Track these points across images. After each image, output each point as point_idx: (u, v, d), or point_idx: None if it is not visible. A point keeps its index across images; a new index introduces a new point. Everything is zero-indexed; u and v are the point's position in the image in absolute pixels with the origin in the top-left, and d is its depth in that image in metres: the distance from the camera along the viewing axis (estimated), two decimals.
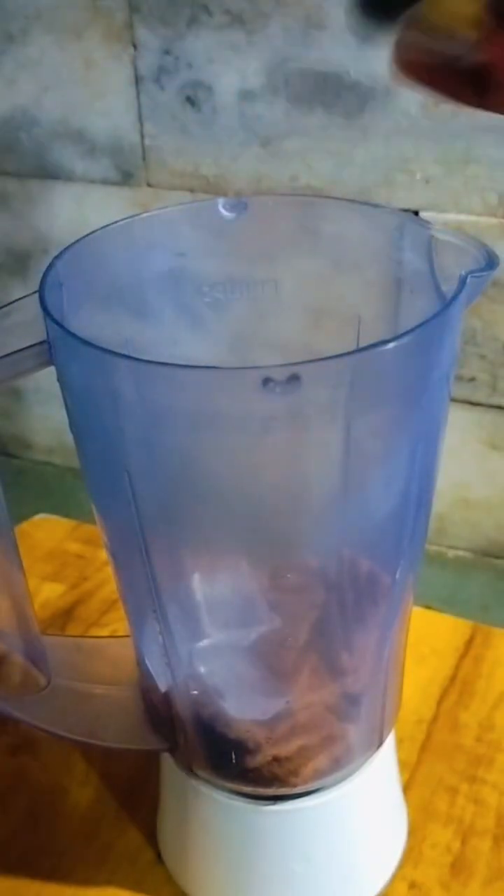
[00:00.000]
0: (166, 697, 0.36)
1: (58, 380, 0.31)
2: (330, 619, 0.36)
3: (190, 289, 0.37)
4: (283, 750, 0.35)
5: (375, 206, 0.38)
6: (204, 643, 0.36)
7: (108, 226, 0.35)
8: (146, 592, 0.34)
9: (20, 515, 0.62)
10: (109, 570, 0.38)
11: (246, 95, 0.52)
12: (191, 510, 0.32)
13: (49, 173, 0.60)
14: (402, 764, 0.44)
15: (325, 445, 0.30)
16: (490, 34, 0.25)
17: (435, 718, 0.48)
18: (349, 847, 0.39)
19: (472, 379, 0.54)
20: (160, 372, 0.27)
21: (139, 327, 0.36)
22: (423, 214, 0.51)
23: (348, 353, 0.27)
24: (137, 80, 0.55)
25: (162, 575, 0.33)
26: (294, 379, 0.26)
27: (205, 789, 0.37)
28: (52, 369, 0.31)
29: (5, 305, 0.32)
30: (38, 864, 0.41)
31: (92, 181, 0.59)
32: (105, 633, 0.53)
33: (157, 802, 0.42)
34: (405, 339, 0.27)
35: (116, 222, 0.35)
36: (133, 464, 0.30)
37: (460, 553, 0.60)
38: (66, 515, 0.64)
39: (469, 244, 0.32)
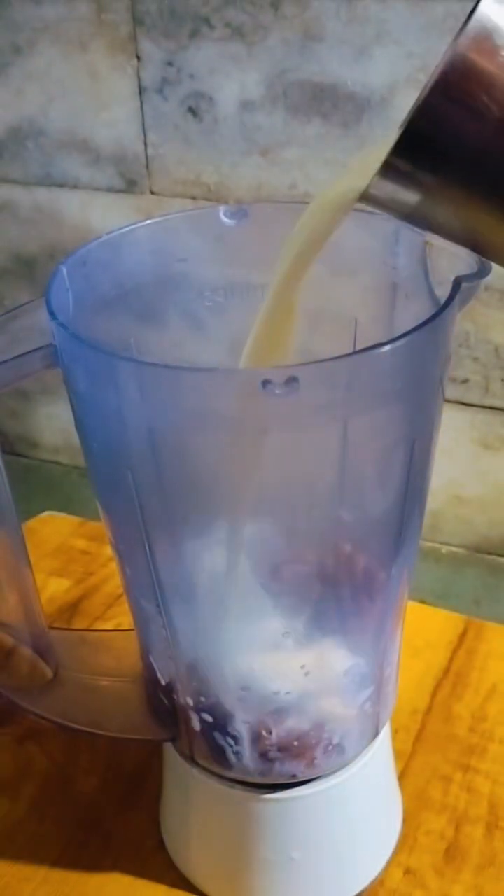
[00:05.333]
0: (169, 689, 0.36)
1: (64, 381, 0.31)
2: (328, 613, 0.36)
3: (192, 293, 0.37)
4: (282, 740, 0.36)
5: (371, 212, 0.38)
6: (205, 637, 0.36)
7: (112, 232, 0.35)
8: (149, 587, 0.34)
9: (27, 512, 0.62)
10: (114, 566, 0.38)
11: (246, 106, 0.52)
12: (192, 508, 0.32)
13: (55, 181, 0.60)
14: (398, 754, 0.44)
15: (322, 445, 0.30)
16: None
17: (429, 709, 0.48)
18: (346, 834, 0.39)
19: (466, 381, 0.55)
20: (162, 374, 0.28)
21: (142, 330, 0.36)
22: None
23: (345, 356, 0.27)
24: (141, 90, 0.55)
25: (164, 570, 0.33)
26: (292, 381, 0.26)
27: (206, 778, 0.37)
28: (58, 371, 0.31)
29: (13, 309, 0.32)
30: (45, 851, 0.42)
31: (97, 189, 0.59)
32: (109, 626, 0.54)
33: (159, 791, 0.43)
34: (400, 343, 0.27)
35: (121, 229, 0.35)
36: (136, 463, 0.31)
37: (453, 549, 0.61)
38: (72, 513, 0.65)
39: (462, 250, 0.32)
